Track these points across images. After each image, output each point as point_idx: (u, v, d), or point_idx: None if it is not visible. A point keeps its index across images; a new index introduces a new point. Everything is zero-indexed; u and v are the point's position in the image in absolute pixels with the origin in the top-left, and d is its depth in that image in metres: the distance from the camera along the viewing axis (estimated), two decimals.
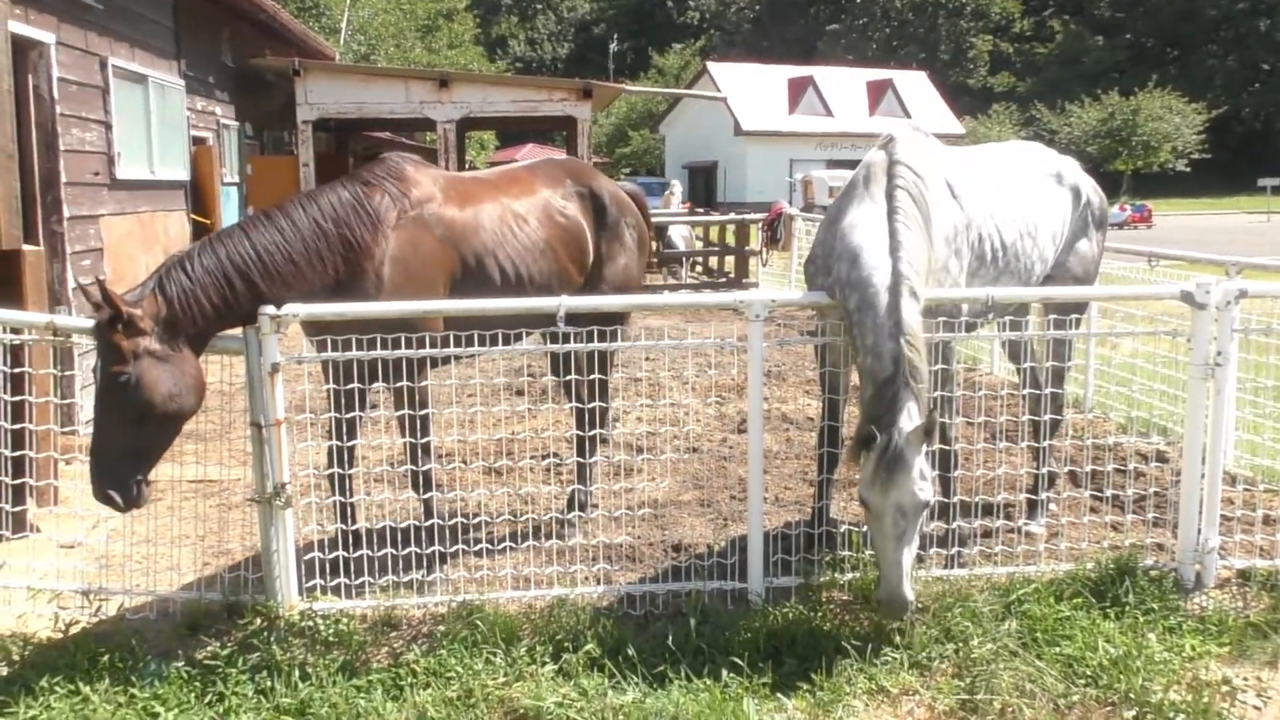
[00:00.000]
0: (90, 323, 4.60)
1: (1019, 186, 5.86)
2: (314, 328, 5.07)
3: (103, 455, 4.51)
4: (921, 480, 4.50)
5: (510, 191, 5.80)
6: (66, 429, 7.05)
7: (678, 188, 35.24)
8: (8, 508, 5.20)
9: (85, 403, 6.02)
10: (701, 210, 33.32)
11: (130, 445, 4.54)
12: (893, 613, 4.60)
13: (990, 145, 6.60)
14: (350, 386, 4.97)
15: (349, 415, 5.08)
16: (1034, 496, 6.17)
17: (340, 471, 5.29)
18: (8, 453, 5.14)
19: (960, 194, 5.46)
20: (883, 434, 4.51)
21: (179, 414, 4.64)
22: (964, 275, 5.39)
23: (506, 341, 5.05)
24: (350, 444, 5.30)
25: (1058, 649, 4.61)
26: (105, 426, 4.52)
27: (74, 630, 4.82)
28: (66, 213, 8.51)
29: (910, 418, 4.56)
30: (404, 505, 5.85)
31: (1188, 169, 65.78)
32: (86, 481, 6.28)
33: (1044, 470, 6.10)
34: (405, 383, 5.00)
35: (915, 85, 63.20)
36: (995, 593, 5.02)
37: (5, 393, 5.13)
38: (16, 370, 5.23)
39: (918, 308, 4.73)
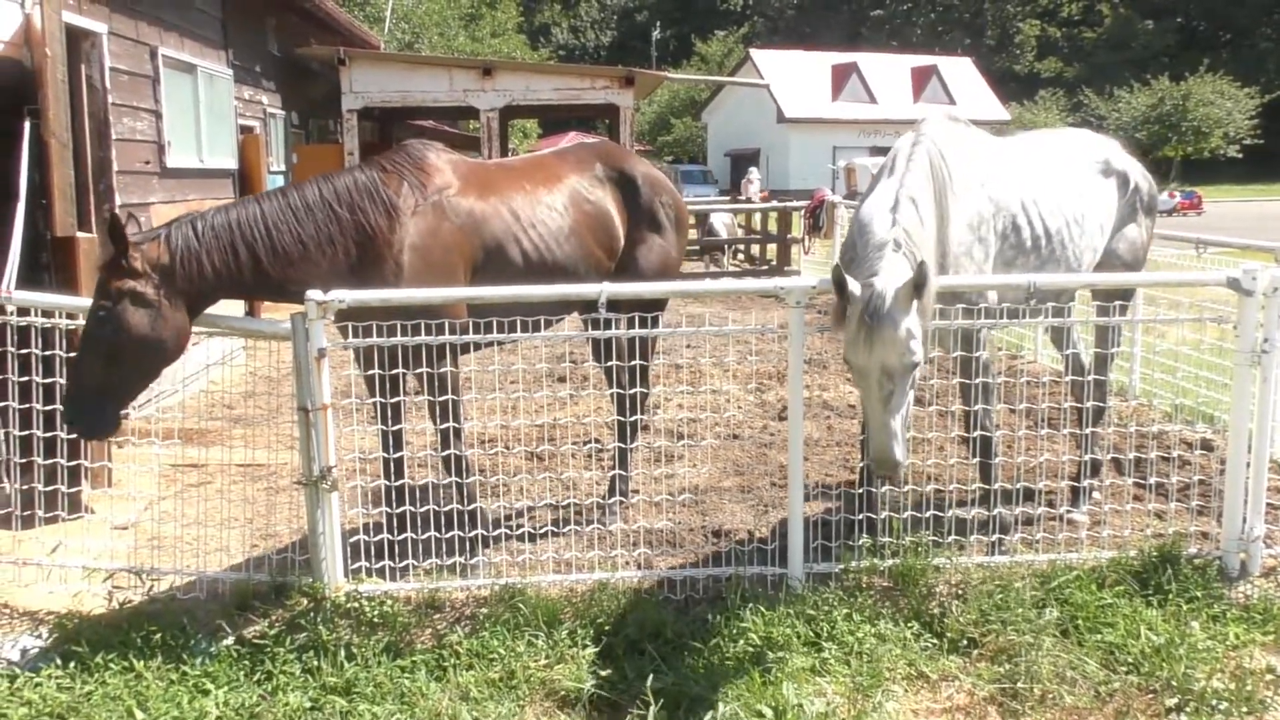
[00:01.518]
0: None
1: (1063, 174, 5.79)
2: (339, 314, 5.10)
3: (73, 382, 4.69)
4: (910, 340, 4.30)
5: (534, 178, 5.80)
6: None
7: (756, 175, 34.16)
8: (64, 489, 5.32)
9: None
10: (745, 198, 33.19)
11: (99, 379, 4.65)
12: (883, 472, 4.50)
13: (1036, 132, 6.54)
14: (392, 372, 5.03)
15: (392, 400, 5.14)
16: (1077, 484, 6.15)
17: (386, 455, 5.36)
18: (64, 435, 5.26)
19: (989, 181, 5.41)
20: (864, 287, 4.33)
21: (149, 361, 4.74)
22: (989, 263, 5.33)
23: (533, 328, 5.07)
24: (395, 428, 5.36)
25: (1099, 636, 4.59)
26: (80, 355, 4.67)
27: (127, 609, 4.93)
28: (118, 201, 8.65)
29: (896, 271, 4.39)
30: (447, 489, 5.92)
31: (1239, 155, 64.67)
32: (139, 464, 6.45)
33: (1087, 457, 6.07)
34: (430, 369, 5.04)
35: (960, 71, 62.60)
36: (1036, 580, 5.01)
37: (61, 377, 5.24)
38: (72, 355, 5.33)
39: (917, 215, 4.70)
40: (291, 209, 4.99)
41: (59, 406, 5.20)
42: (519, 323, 4.95)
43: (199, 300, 4.87)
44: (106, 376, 4.65)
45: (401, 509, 5.33)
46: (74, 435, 4.86)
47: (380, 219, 5.10)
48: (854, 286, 4.32)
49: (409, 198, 5.22)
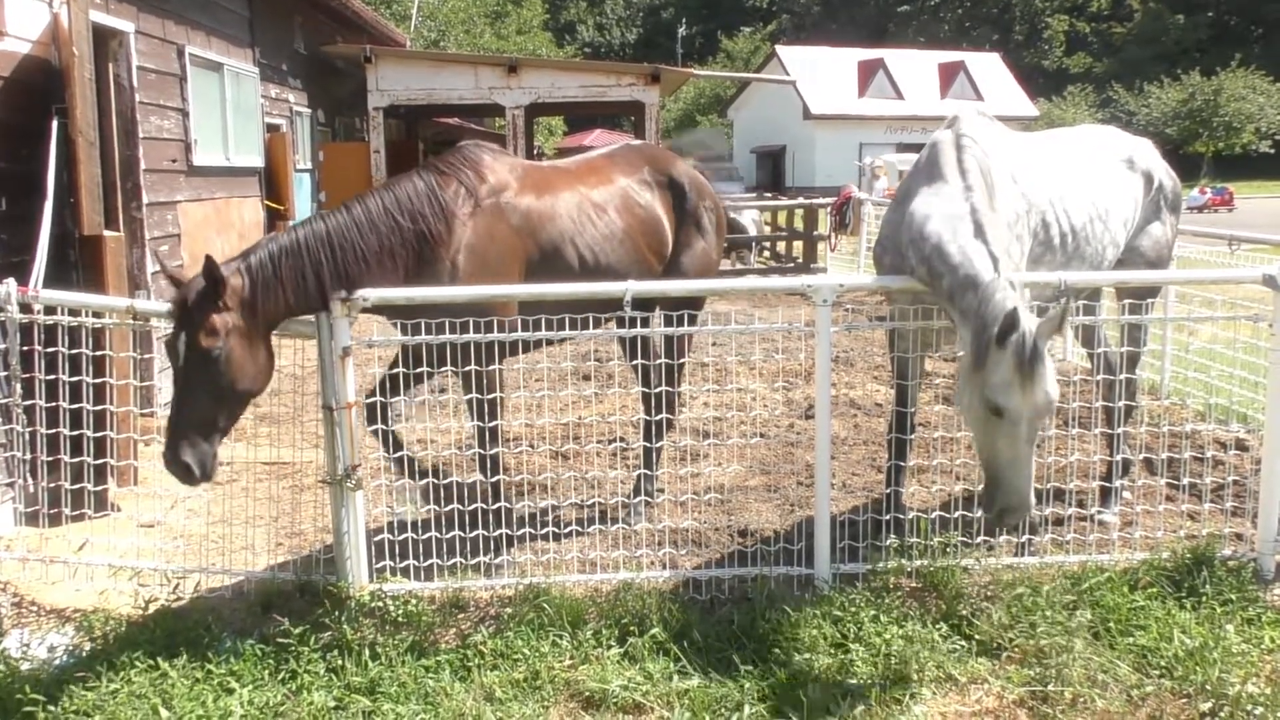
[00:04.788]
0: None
1: (1089, 171, 5.73)
2: (392, 310, 5.11)
3: (183, 427, 4.53)
4: (1054, 375, 4.23)
5: (588, 181, 5.79)
6: (145, 411, 7.21)
7: (883, 169, 29.91)
8: (90, 487, 5.34)
9: (164, 385, 6.15)
10: (768, 195, 32.94)
11: (210, 418, 4.57)
12: (1017, 518, 4.36)
13: (1061, 129, 6.47)
14: (431, 369, 5.03)
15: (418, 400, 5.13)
16: (1108, 484, 6.07)
17: (409, 455, 5.35)
18: (90, 433, 5.27)
19: (1021, 179, 5.35)
20: (1017, 329, 4.17)
21: (251, 393, 4.71)
22: (1024, 260, 5.27)
23: (581, 327, 5.05)
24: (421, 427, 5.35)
25: (1131, 639, 4.53)
26: (189, 398, 4.54)
27: (153, 607, 4.93)
28: (145, 199, 8.68)
29: (1024, 306, 4.30)
30: (472, 488, 5.90)
31: (1271, 150, 63.93)
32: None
33: (1118, 457, 6.00)
34: (476, 367, 5.03)
35: (988, 67, 62.15)
36: (1067, 581, 4.95)
37: (88, 375, 5.26)
38: (98, 353, 5.35)
39: (1001, 232, 4.67)
40: (357, 226, 4.95)
41: (85, 405, 5.23)
42: (547, 321, 4.93)
43: (270, 328, 4.85)
44: (214, 415, 4.58)
45: (428, 507, 5.33)
46: (180, 478, 4.61)
47: (439, 224, 5.10)
48: (1026, 323, 4.17)
49: (465, 202, 5.21)
